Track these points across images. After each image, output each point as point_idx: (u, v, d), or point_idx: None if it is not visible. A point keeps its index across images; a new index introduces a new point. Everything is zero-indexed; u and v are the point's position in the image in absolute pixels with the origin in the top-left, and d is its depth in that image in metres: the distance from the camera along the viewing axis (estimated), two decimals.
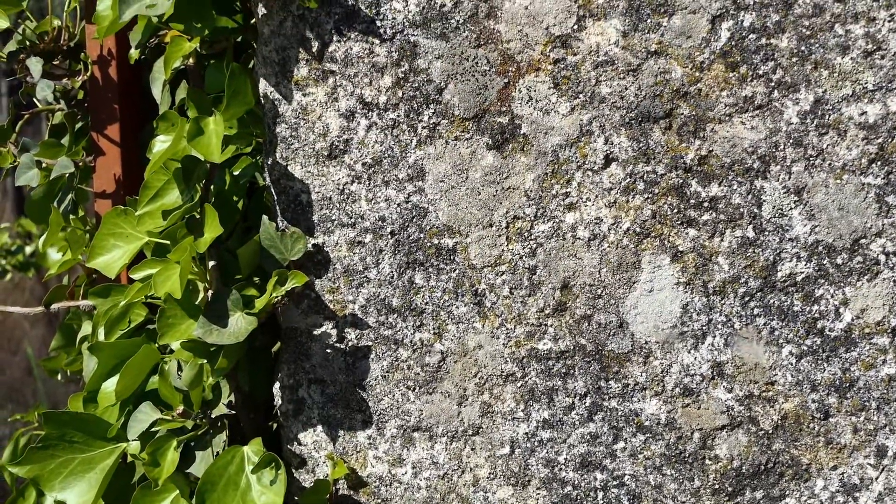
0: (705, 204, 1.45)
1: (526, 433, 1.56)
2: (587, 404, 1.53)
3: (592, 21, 1.45)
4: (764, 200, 1.43)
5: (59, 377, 2.15)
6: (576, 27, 1.45)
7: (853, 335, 1.43)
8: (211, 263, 1.56)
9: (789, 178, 1.42)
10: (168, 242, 1.55)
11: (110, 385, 1.60)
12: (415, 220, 1.54)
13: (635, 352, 1.50)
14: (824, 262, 1.43)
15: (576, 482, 1.55)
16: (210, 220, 1.50)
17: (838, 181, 1.40)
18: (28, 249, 5.04)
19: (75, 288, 1.95)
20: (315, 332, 1.61)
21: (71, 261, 1.89)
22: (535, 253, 1.51)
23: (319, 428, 1.64)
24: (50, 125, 2.00)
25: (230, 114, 1.53)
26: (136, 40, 1.68)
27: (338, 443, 1.64)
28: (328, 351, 1.61)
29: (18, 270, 5.12)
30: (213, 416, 1.63)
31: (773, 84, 1.40)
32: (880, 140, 1.38)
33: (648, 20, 1.43)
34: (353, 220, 1.56)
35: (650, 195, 1.46)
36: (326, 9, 1.52)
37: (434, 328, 1.56)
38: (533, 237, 1.51)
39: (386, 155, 1.54)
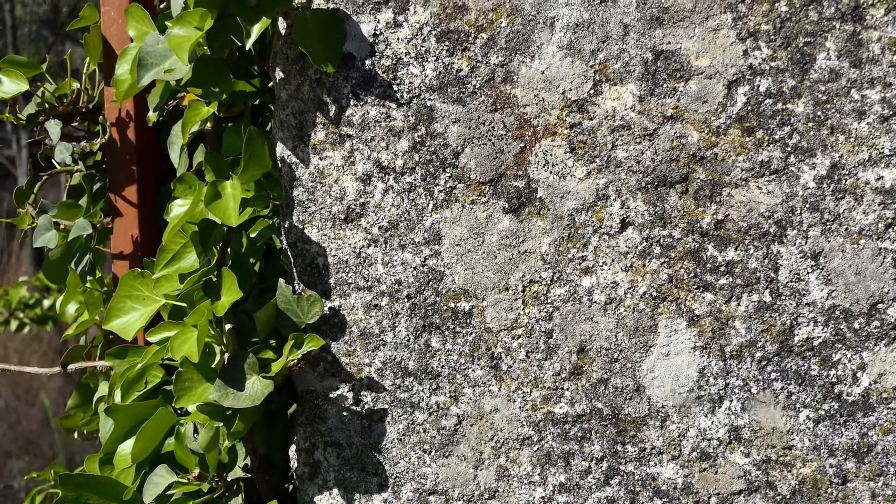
0: (722, 268, 1.45)
1: (542, 497, 1.55)
2: (604, 468, 1.53)
3: (609, 86, 1.45)
4: (780, 265, 1.43)
5: (76, 436, 2.15)
6: (592, 92, 1.46)
7: (871, 400, 1.43)
8: (228, 326, 1.56)
9: (806, 242, 1.42)
10: (185, 305, 1.55)
11: (126, 447, 1.60)
12: (431, 283, 1.55)
13: (652, 416, 1.50)
14: (841, 326, 1.42)
15: None
16: (228, 284, 1.51)
17: (855, 246, 1.40)
18: (46, 303, 5.06)
19: (92, 348, 1.95)
20: (331, 395, 1.61)
21: (88, 322, 1.90)
22: (551, 317, 1.51)
23: (335, 491, 1.64)
24: (68, 186, 2.01)
25: (247, 177, 1.54)
26: (154, 103, 1.69)
27: None
28: (344, 414, 1.61)
29: (36, 324, 5.13)
30: (228, 478, 1.62)
31: (789, 149, 1.41)
32: None
33: (664, 85, 1.43)
34: (369, 283, 1.57)
35: (666, 259, 1.46)
36: (344, 73, 1.53)
37: (450, 391, 1.56)
38: (549, 301, 1.51)
39: (402, 218, 1.54)
